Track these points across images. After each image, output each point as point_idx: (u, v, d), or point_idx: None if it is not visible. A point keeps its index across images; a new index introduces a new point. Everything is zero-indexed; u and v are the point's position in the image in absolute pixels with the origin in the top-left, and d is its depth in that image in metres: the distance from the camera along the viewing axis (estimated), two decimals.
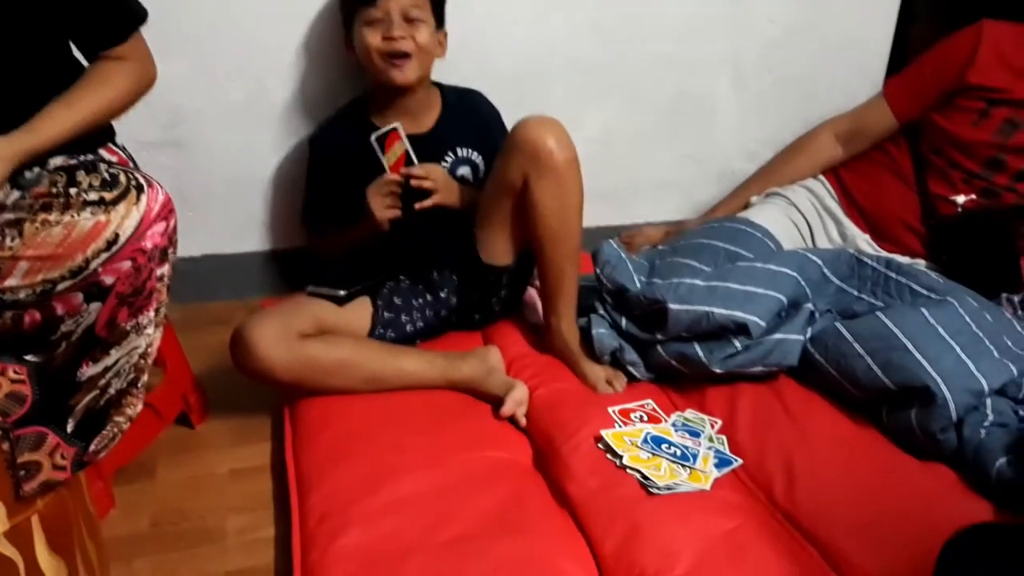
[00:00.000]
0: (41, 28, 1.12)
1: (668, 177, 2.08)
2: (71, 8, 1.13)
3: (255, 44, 1.63)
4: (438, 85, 1.63)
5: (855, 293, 1.51)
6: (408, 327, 1.51)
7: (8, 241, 0.97)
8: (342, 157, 1.57)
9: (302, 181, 1.67)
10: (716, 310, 1.37)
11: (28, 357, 1.03)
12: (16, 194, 1.05)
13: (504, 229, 1.49)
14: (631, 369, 1.45)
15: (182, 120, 1.65)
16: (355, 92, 1.66)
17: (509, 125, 1.47)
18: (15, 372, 1.02)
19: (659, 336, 1.42)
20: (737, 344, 1.38)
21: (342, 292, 1.45)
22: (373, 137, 1.46)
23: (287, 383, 1.35)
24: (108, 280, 1.00)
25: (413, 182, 1.47)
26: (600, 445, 1.26)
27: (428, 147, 1.55)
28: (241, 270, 1.83)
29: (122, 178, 1.02)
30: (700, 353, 1.38)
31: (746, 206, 1.91)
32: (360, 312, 1.47)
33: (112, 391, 1.09)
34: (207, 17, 1.58)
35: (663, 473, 1.20)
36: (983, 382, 1.25)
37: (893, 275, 1.51)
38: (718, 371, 1.38)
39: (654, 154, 2.04)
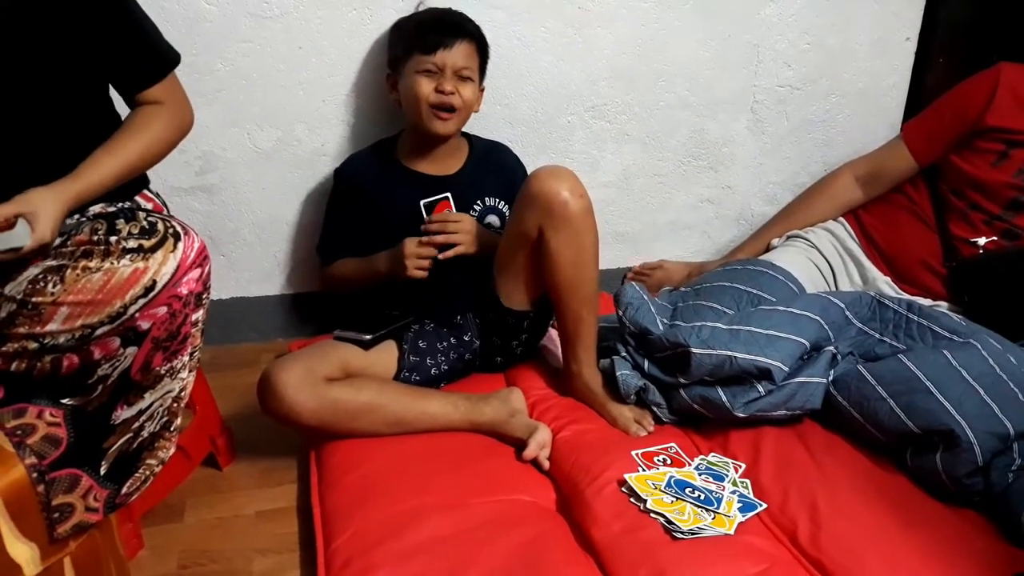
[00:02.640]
0: (78, 71, 1.16)
1: (688, 219, 2.10)
2: (106, 51, 1.16)
3: (285, 93, 1.68)
4: (466, 135, 1.68)
5: (877, 336, 1.51)
6: (433, 370, 1.53)
7: (50, 287, 1.01)
8: (365, 191, 1.62)
9: (326, 220, 1.71)
10: (739, 354, 1.38)
11: (65, 400, 1.06)
12: (57, 240, 1.08)
13: (521, 277, 1.51)
14: (655, 410, 1.46)
15: (213, 167, 1.70)
16: (384, 135, 1.71)
17: (530, 170, 1.50)
18: (51, 415, 1.05)
19: (682, 379, 1.42)
20: (760, 388, 1.38)
21: (368, 336, 1.47)
22: (423, 202, 1.55)
23: (313, 426, 1.37)
24: (145, 325, 1.03)
25: (437, 238, 1.53)
26: (624, 489, 1.27)
27: (454, 191, 1.60)
28: (269, 313, 1.86)
29: (160, 226, 1.05)
30: (723, 397, 1.39)
31: (767, 249, 1.93)
32: (386, 356, 1.49)
33: (145, 434, 1.11)
34: (239, 67, 1.64)
35: (687, 517, 1.20)
36: (1008, 425, 1.25)
37: (915, 317, 1.51)
38: (741, 415, 1.38)
39: (673, 197, 2.06)
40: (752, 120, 2.03)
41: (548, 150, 1.86)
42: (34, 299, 1.01)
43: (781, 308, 1.49)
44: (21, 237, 1.00)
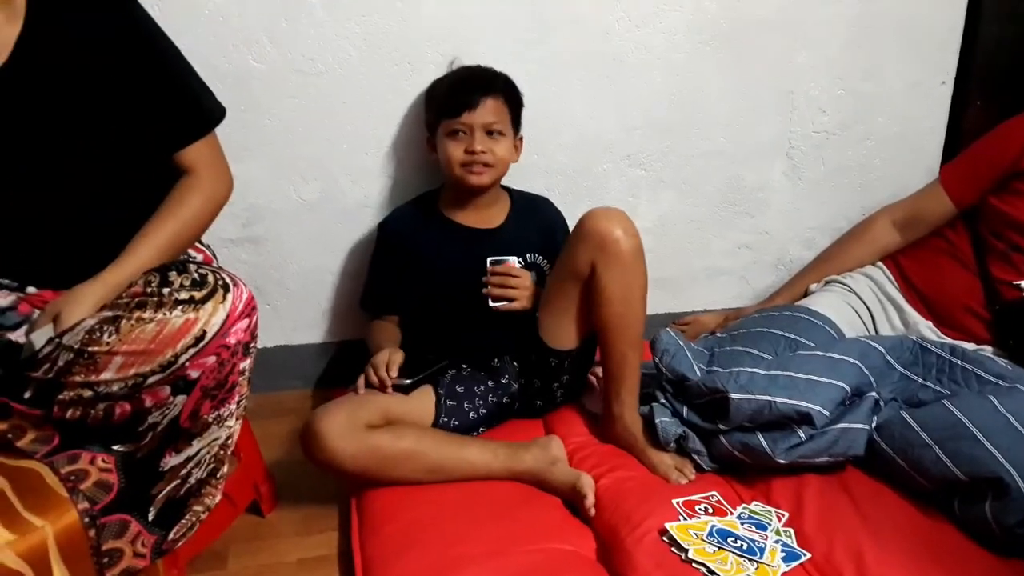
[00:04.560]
0: (119, 129, 1.19)
1: (724, 265, 2.10)
2: (144, 106, 1.20)
3: (329, 146, 1.73)
4: (507, 189, 1.72)
5: (920, 380, 1.49)
6: (471, 415, 1.54)
7: (106, 337, 1.04)
8: (408, 244, 1.66)
9: (370, 271, 1.75)
10: (778, 399, 1.37)
11: (116, 447, 1.09)
12: None
13: (570, 314, 1.53)
14: (695, 458, 1.45)
15: (259, 219, 1.75)
16: (424, 189, 1.75)
17: (570, 221, 1.53)
18: (103, 461, 1.08)
19: (721, 426, 1.42)
20: (801, 434, 1.37)
21: (407, 381, 1.49)
22: (490, 260, 1.61)
23: (354, 473, 1.39)
24: (194, 374, 1.06)
25: (496, 291, 1.60)
26: (665, 538, 1.26)
27: (496, 243, 1.64)
28: (312, 361, 1.90)
29: (210, 278, 1.09)
30: (764, 443, 1.38)
31: (805, 294, 1.92)
32: (424, 401, 1.51)
33: (192, 481, 1.13)
34: (285, 121, 1.69)
35: (729, 567, 1.19)
36: None
37: (959, 362, 1.49)
38: (783, 461, 1.36)
39: (710, 243, 2.07)
40: (788, 166, 2.04)
41: (585, 199, 1.89)
42: (90, 348, 1.04)
43: (820, 353, 1.48)
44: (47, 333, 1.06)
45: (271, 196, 1.74)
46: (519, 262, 1.66)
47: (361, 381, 1.48)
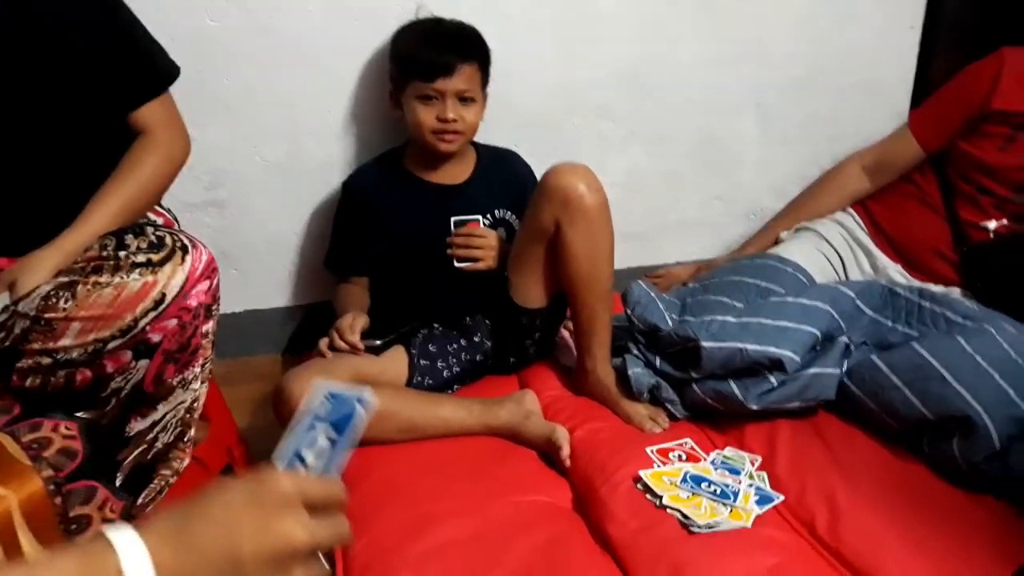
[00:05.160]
0: (72, 89, 1.16)
1: (696, 217, 2.10)
2: (97, 64, 1.17)
3: (291, 106, 1.70)
4: (473, 143, 1.69)
5: (889, 324, 1.50)
6: (445, 373, 1.54)
7: (62, 303, 1.02)
8: (373, 202, 1.63)
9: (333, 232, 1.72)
10: (749, 346, 1.37)
11: (79, 414, 1.07)
12: None
13: (537, 273, 1.52)
14: (668, 407, 1.46)
15: (222, 182, 1.71)
16: (388, 146, 1.72)
17: (538, 173, 1.51)
18: (67, 428, 1.07)
19: (694, 374, 1.42)
20: (773, 380, 1.37)
21: (378, 342, 1.48)
22: (454, 219, 1.59)
23: None
24: (155, 338, 1.05)
25: (460, 251, 1.58)
26: (639, 486, 1.26)
27: (462, 200, 1.61)
28: (282, 325, 1.88)
29: (168, 240, 1.07)
30: (736, 390, 1.38)
31: (776, 242, 1.92)
32: (396, 361, 1.50)
33: (159, 445, 1.13)
34: (244, 82, 1.65)
35: (704, 512, 1.20)
36: None
37: (927, 304, 1.50)
38: (755, 407, 1.37)
39: (681, 195, 2.06)
40: (759, 116, 2.03)
41: (554, 153, 1.85)
42: (47, 315, 1.02)
43: (791, 299, 1.49)
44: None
45: (233, 158, 1.70)
46: (486, 221, 1.64)
47: (323, 344, 1.47)
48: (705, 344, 1.38)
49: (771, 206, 2.12)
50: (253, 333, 1.83)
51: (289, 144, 1.73)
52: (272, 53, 1.64)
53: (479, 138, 1.71)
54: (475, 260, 1.59)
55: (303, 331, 1.88)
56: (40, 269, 1.06)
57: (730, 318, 1.44)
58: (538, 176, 1.54)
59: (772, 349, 1.37)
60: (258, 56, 1.64)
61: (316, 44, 1.66)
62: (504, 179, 1.69)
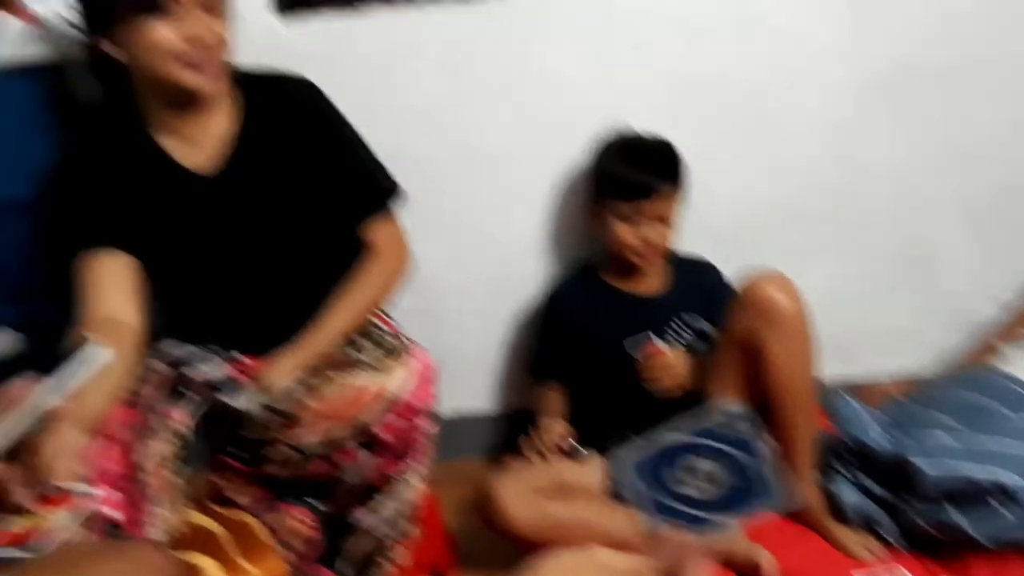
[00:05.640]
0: (312, 210, 1.32)
1: (904, 327, 1.99)
2: (334, 183, 1.33)
3: (495, 220, 1.82)
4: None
5: None
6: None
7: (306, 400, 1.15)
8: (574, 313, 1.70)
9: (537, 340, 1.80)
10: (971, 470, 1.27)
11: (314, 502, 1.18)
12: None
13: (736, 385, 1.50)
14: (881, 533, 1.37)
15: (435, 291, 1.85)
16: (589, 256, 1.79)
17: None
18: (304, 516, 1.17)
19: (909, 498, 1.34)
20: (1001, 509, 1.26)
21: (583, 451, 1.51)
22: (626, 342, 1.61)
23: (532, 540, 1.40)
24: (383, 435, 1.14)
25: (647, 374, 1.57)
26: None
27: (660, 310, 1.65)
28: (487, 429, 1.96)
29: (395, 344, 1.19)
30: (959, 520, 1.28)
31: (996, 355, 1.78)
32: (595, 468, 1.52)
33: (381, 537, 1.21)
34: (456, 199, 1.80)
35: None
36: None
37: None
38: (983, 542, 1.26)
39: (886, 303, 1.97)
40: (967, 221, 1.92)
41: (750, 261, 1.85)
42: (293, 410, 1.15)
43: (1014, 416, 1.37)
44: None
45: (448, 271, 1.84)
46: (682, 330, 1.65)
47: (526, 449, 1.51)
48: (922, 467, 1.30)
49: (987, 315, 1.98)
50: (459, 436, 1.92)
51: (494, 256, 1.85)
52: (480, 174, 1.79)
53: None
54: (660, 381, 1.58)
55: (508, 435, 1.94)
56: (287, 368, 1.20)
57: (947, 437, 1.35)
58: (734, 285, 1.54)
59: (998, 473, 1.26)
60: (468, 177, 1.79)
61: (518, 165, 1.78)
62: (700, 289, 1.71)
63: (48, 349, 1.07)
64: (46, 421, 0.66)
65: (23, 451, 0.67)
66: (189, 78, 1.16)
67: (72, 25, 1.36)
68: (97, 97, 1.35)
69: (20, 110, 1.37)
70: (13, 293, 1.45)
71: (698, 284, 1.71)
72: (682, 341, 1.65)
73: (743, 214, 1.87)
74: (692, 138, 1.74)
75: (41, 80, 1.36)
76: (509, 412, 1.96)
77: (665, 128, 1.69)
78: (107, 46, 1.16)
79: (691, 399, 1.57)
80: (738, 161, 1.83)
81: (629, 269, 1.67)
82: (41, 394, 0.66)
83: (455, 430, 1.89)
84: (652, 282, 1.69)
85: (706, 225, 1.83)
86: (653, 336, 1.62)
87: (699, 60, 1.75)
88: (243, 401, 1.18)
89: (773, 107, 1.80)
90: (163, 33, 1.13)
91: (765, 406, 1.48)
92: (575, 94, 1.75)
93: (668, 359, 1.58)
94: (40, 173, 1.28)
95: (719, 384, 1.53)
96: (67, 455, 0.88)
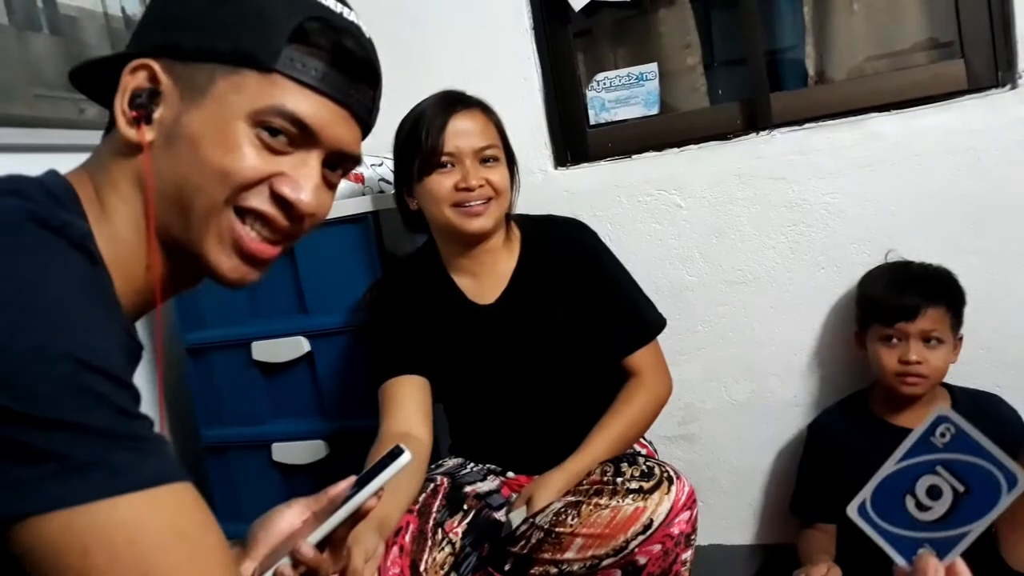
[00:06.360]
0: (582, 344, 1.41)
1: None
2: (602, 320, 1.41)
3: (759, 348, 1.82)
4: (947, 386, 1.62)
5: None
6: None
7: (569, 519, 1.21)
8: (838, 446, 1.62)
9: (799, 475, 1.73)
10: None
11: None
12: None
13: None
14: None
15: (694, 417, 1.87)
16: (853, 388, 1.73)
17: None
18: None
19: None
20: None
21: None
22: None
23: None
24: (642, 560, 1.17)
25: None
26: None
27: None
28: (744, 562, 1.89)
29: (656, 470, 1.22)
30: None
31: None
32: None
33: None
34: (717, 327, 1.83)
35: None
36: None
37: None
38: None
39: None
40: None
41: None
42: (557, 529, 1.22)
43: None
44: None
45: (704, 396, 1.86)
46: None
47: None
48: None
49: None
50: (717, 567, 1.87)
51: (756, 383, 1.84)
52: (740, 302, 1.81)
53: (956, 382, 1.62)
54: None
55: (766, 570, 1.86)
56: (552, 488, 1.27)
57: None
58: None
59: None
60: (728, 304, 1.82)
61: (781, 293, 1.78)
62: (985, 425, 1.55)
63: (350, 458, 1.23)
64: (356, 517, 0.78)
65: (327, 542, 0.79)
66: (457, 219, 1.34)
67: (387, 183, 1.63)
68: (405, 243, 1.58)
69: (344, 254, 1.63)
70: (324, 409, 1.70)
71: (983, 419, 1.56)
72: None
73: None
74: (979, 267, 1.66)
75: (362, 228, 1.63)
76: (767, 546, 1.88)
77: (946, 258, 1.62)
78: (410, 200, 1.39)
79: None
80: None
81: (899, 401, 1.58)
82: (357, 492, 0.78)
83: (711, 560, 1.85)
84: (925, 416, 1.57)
85: (999, 359, 1.69)
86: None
87: (982, 182, 1.66)
88: (508, 515, 1.26)
89: None
90: (440, 182, 1.33)
91: None
92: (851, 231, 1.73)
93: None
94: (353, 307, 1.51)
95: (1015, 526, 1.37)
96: (372, 560, 1.01)
